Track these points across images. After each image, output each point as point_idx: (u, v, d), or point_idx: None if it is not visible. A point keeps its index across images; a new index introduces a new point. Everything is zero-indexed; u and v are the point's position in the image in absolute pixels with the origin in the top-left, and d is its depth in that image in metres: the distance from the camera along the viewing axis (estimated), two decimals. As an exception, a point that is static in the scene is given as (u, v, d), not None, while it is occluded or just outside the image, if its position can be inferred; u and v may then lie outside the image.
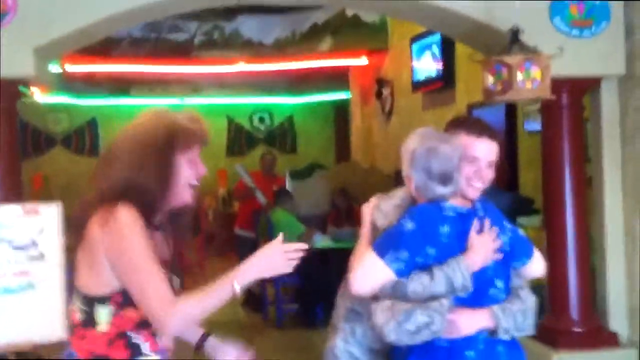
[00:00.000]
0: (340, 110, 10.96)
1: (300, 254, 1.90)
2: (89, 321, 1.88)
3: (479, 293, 2.28)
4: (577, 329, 3.87)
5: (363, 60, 8.99)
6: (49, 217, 2.88)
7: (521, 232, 2.46)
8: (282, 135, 11.74)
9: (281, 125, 11.79)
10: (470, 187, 2.34)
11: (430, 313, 2.21)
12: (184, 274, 2.08)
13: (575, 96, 4.02)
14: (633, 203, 3.99)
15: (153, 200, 1.90)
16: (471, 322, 2.27)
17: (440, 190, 2.28)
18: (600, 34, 3.93)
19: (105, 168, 1.94)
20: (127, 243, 1.82)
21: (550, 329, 3.80)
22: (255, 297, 6.92)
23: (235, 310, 6.84)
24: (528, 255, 2.43)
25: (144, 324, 1.88)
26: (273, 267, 1.89)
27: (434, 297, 2.24)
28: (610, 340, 3.91)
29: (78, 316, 1.90)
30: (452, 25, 4.29)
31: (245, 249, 7.19)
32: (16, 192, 3.75)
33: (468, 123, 2.48)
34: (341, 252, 6.36)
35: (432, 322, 2.20)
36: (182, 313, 1.83)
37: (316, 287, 6.16)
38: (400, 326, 2.21)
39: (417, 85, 7.36)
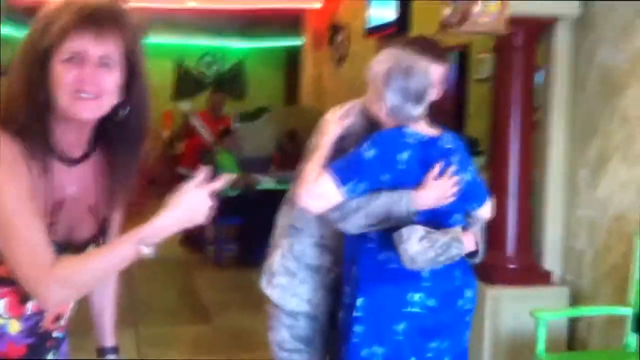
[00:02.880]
0: (292, 57, 10.78)
1: (217, 185, 1.50)
2: None
3: (438, 224, 2.25)
4: (511, 266, 3.90)
5: (318, 4, 8.81)
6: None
7: (479, 176, 2.46)
8: (231, 80, 11.50)
9: (231, 69, 11.54)
10: None
11: (459, 245, 2.21)
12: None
13: (528, 37, 3.98)
14: (577, 149, 4.01)
15: (26, 124, 1.43)
16: (466, 244, 2.28)
17: (414, 110, 2.23)
18: (557, -26, 3.88)
19: None
20: None
21: (486, 265, 3.80)
22: (194, 235, 6.81)
23: (173, 248, 6.73)
24: (480, 201, 2.45)
25: (6, 280, 1.49)
26: (192, 219, 1.47)
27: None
28: (543, 278, 3.95)
29: None
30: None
31: (187, 187, 7.05)
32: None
33: (421, 44, 2.41)
34: (284, 193, 6.35)
35: (460, 253, 2.22)
36: (61, 282, 1.41)
37: (257, 227, 6.08)
38: (436, 258, 2.17)
39: (371, 31, 7.24)
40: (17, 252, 1.41)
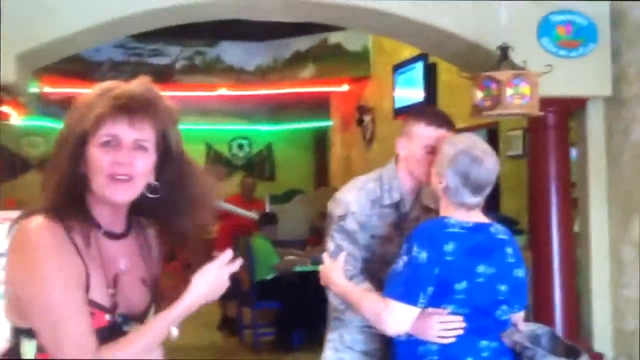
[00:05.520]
0: (320, 139, 10.94)
1: (236, 267, 1.61)
2: (15, 354, 1.54)
3: (486, 311, 2.22)
4: (562, 349, 3.81)
5: (344, 88, 9.00)
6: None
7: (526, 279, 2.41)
8: (260, 163, 11.66)
9: (260, 152, 11.71)
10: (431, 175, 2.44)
11: None
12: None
13: (561, 116, 4.03)
14: (618, 226, 3.98)
15: (66, 205, 1.51)
16: None
17: (469, 199, 2.23)
18: (587, 55, 3.95)
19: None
20: (34, 269, 1.45)
21: (537, 349, 3.74)
22: (231, 320, 6.78)
23: (211, 334, 6.68)
24: (522, 305, 2.38)
25: None
26: (211, 296, 1.58)
27: None
28: (596, 360, 3.86)
29: (6, 346, 1.58)
30: (441, 44, 4.29)
31: (223, 272, 7.04)
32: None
33: (429, 114, 2.55)
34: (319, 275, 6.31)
35: None
36: None
37: (294, 311, 6.05)
38: None
39: (398, 112, 7.37)
40: (61, 341, 1.45)
